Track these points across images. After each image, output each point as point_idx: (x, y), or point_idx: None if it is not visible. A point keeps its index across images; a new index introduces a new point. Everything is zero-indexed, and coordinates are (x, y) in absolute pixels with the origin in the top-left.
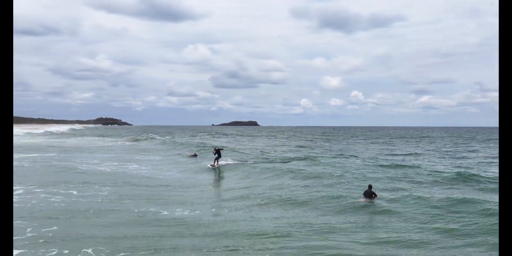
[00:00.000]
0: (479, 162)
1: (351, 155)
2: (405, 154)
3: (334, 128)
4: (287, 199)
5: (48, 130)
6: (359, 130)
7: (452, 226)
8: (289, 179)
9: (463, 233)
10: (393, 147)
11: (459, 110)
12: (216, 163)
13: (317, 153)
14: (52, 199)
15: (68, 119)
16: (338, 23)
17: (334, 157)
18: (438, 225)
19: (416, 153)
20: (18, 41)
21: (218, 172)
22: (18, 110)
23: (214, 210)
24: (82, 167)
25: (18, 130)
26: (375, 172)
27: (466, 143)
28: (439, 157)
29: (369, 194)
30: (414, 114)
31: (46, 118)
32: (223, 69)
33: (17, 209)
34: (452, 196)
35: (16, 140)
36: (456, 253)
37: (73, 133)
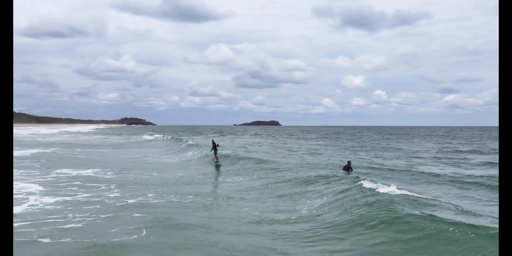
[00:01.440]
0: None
1: (346, 150)
2: (397, 149)
3: (355, 127)
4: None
5: (67, 130)
6: (379, 130)
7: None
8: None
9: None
10: (394, 144)
11: (487, 109)
12: (216, 157)
13: (323, 149)
14: (143, 177)
15: (94, 119)
16: (361, 21)
17: (335, 150)
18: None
19: (408, 149)
20: (46, 43)
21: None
22: (46, 110)
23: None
24: (148, 159)
25: (42, 130)
26: (359, 160)
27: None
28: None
29: (347, 168)
30: (439, 113)
31: (73, 118)
32: (245, 69)
33: (126, 181)
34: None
35: (59, 138)
36: None
37: (106, 132)
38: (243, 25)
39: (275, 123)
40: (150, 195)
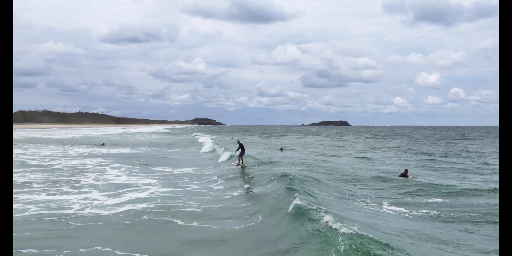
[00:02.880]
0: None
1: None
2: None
3: (427, 127)
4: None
5: (131, 131)
6: (456, 130)
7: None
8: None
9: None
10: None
11: None
12: (241, 161)
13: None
14: (228, 168)
15: (168, 120)
16: (436, 15)
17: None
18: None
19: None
20: (124, 49)
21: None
22: (124, 111)
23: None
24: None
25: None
26: (417, 163)
27: None
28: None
29: (404, 174)
30: None
31: (149, 118)
32: (312, 69)
33: (224, 175)
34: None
35: (145, 138)
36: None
37: (183, 132)
38: (311, 24)
39: (344, 123)
40: (246, 185)
